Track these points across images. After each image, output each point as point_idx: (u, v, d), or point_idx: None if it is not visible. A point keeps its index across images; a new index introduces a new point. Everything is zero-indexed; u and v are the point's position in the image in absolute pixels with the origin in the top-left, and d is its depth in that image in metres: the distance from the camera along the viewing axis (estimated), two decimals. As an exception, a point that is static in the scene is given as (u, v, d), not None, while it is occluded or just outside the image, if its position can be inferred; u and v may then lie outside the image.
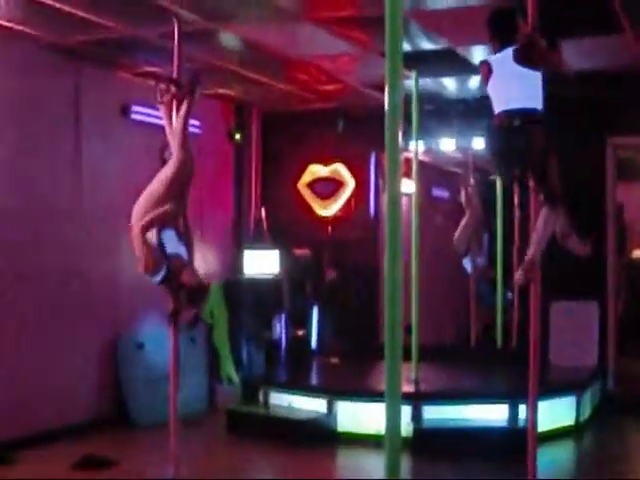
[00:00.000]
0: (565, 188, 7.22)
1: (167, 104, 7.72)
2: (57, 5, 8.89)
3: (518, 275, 7.39)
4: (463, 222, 13.32)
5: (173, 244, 7.33)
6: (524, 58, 6.93)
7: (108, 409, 11.75)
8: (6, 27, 9.67)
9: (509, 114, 7.05)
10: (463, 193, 13.50)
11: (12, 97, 10.32)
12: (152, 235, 7.24)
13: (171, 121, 7.71)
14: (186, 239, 7.51)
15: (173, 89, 7.77)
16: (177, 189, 7.42)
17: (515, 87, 7.06)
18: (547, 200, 7.24)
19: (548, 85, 8.26)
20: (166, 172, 7.42)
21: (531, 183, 7.30)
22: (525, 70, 7.00)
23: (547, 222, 7.28)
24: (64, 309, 11.05)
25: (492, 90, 7.20)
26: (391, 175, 4.09)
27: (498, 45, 7.14)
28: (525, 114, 7.03)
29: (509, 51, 7.01)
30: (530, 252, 7.35)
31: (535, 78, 7.09)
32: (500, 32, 7.23)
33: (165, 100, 7.74)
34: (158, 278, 7.27)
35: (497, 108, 7.12)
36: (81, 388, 11.41)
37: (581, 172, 12.85)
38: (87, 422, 11.33)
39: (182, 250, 7.39)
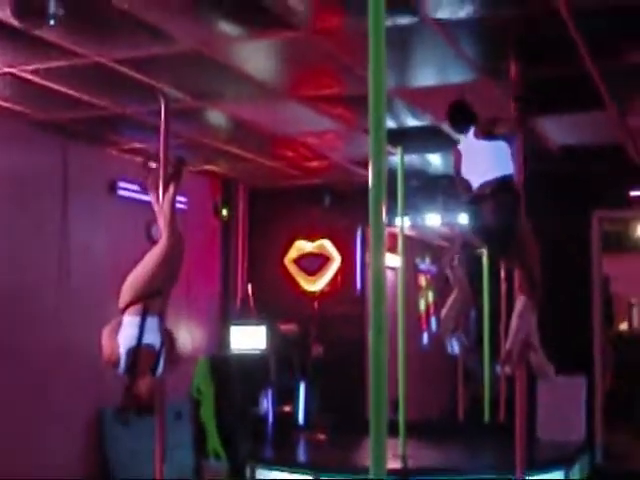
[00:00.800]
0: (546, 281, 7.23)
1: (153, 182, 7.70)
2: (45, 83, 8.98)
3: (503, 367, 7.45)
4: (450, 299, 13.24)
5: (152, 334, 7.18)
6: (483, 132, 7.11)
7: (93, 484, 11.69)
8: (-6, 105, 9.77)
9: (481, 186, 7.16)
10: (449, 270, 13.42)
11: None
12: (129, 322, 7.12)
13: (158, 199, 7.68)
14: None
15: (157, 167, 7.76)
16: (165, 273, 7.33)
17: (483, 161, 7.20)
18: (526, 287, 7.25)
19: (534, 160, 8.38)
20: (154, 255, 7.32)
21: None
22: (489, 143, 7.17)
23: (524, 311, 7.28)
24: (49, 384, 11.00)
25: (466, 173, 7.32)
26: (375, 250, 4.11)
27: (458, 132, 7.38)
28: (495, 182, 7.13)
29: (471, 133, 7.20)
30: (507, 343, 7.37)
31: (500, 149, 7.25)
32: (458, 123, 7.43)
33: (151, 179, 7.72)
34: (118, 370, 7.16)
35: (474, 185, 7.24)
36: (67, 462, 11.32)
37: (567, 244, 12.95)
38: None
39: (158, 342, 7.23)
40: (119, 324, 7.10)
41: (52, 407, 11.02)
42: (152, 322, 7.04)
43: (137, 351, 6.96)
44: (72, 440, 11.45)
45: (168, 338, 7.20)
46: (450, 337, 13.43)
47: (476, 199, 7.25)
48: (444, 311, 12.99)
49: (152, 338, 7.05)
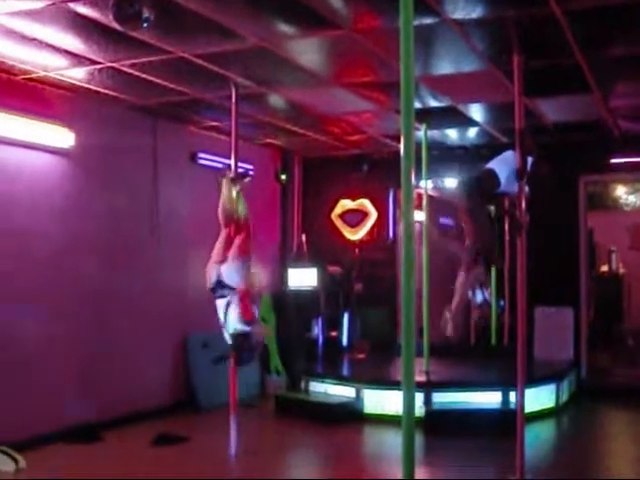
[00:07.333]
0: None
1: (227, 184, 7.77)
2: (140, 74, 8.98)
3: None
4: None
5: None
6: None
7: (180, 395, 11.77)
8: (100, 92, 9.77)
9: None
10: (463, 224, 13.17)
11: (103, 148, 10.40)
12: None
13: (229, 196, 7.72)
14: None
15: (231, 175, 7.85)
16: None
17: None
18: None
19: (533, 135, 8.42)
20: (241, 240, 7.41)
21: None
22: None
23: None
24: (146, 314, 11.10)
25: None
26: (406, 207, 4.09)
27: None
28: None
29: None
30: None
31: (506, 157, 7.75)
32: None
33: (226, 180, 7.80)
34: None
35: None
36: (158, 378, 11.46)
37: (559, 203, 12.84)
38: (162, 406, 11.37)
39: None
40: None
41: (147, 332, 11.12)
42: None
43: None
44: (163, 358, 11.56)
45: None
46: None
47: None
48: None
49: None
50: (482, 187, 7.30)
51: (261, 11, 7.08)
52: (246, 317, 7.06)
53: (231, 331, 7.14)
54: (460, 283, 7.51)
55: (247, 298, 7.11)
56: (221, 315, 7.19)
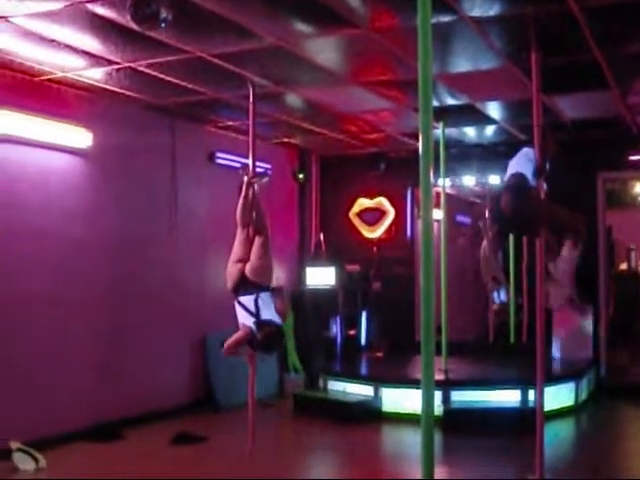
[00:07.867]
0: None
1: (246, 186, 7.72)
2: (157, 74, 9.00)
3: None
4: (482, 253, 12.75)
5: (269, 311, 7.31)
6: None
7: (198, 394, 11.79)
8: (117, 92, 9.80)
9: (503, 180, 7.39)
10: (481, 223, 13.11)
11: (121, 148, 10.42)
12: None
13: (246, 198, 7.68)
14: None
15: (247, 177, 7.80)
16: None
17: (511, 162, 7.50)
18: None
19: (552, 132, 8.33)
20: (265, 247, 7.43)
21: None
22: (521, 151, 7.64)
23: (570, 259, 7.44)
24: (164, 314, 11.12)
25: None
26: (425, 205, 4.09)
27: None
28: (508, 178, 7.45)
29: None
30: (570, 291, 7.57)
31: (523, 154, 7.62)
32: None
33: (245, 182, 7.75)
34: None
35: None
36: (177, 377, 11.47)
37: (577, 200, 12.76)
38: (181, 405, 11.39)
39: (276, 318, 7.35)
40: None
41: (165, 331, 11.14)
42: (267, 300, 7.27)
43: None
44: (181, 357, 11.57)
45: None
46: (495, 290, 13.13)
47: (497, 192, 7.48)
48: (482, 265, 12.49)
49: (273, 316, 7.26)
50: (521, 191, 7.25)
51: (278, 10, 7.08)
52: (282, 311, 7.24)
53: (265, 317, 7.23)
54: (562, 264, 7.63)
55: (282, 294, 7.28)
56: (252, 309, 7.23)
